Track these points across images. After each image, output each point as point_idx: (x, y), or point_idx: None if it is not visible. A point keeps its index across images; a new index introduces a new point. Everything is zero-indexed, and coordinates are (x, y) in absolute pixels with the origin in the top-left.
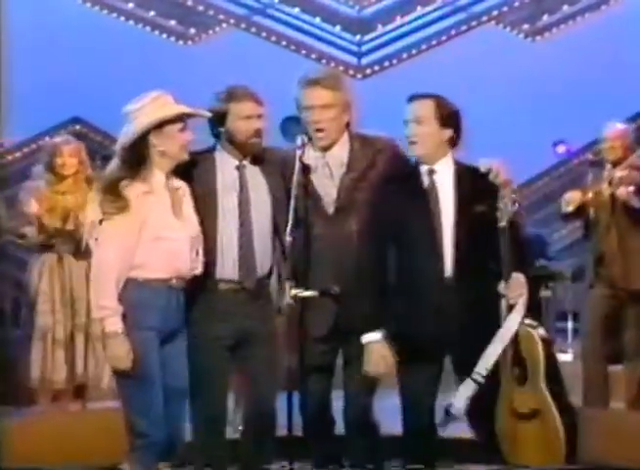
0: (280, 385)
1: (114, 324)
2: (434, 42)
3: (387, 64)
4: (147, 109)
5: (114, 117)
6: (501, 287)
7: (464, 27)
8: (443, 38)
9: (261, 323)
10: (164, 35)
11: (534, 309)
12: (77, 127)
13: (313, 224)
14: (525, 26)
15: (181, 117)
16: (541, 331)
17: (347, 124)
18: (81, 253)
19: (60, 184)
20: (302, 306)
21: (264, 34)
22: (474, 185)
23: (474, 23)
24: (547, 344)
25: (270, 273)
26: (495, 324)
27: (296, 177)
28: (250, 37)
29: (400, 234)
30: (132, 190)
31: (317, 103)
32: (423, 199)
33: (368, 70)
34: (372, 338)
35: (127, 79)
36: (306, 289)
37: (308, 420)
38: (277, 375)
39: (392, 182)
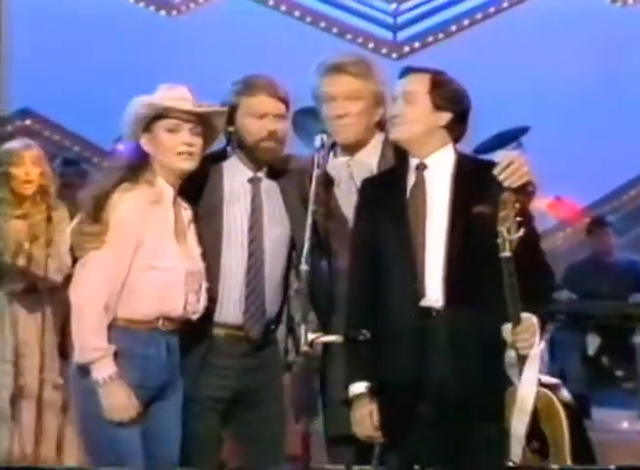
0: (285, 459)
1: (108, 368)
2: (491, 10)
3: (430, 39)
4: (136, 106)
5: (78, 109)
6: (506, 332)
7: None
8: (506, 4)
9: (266, 380)
10: (142, 4)
11: (622, 359)
12: (28, 122)
13: (337, 252)
14: None
15: (178, 116)
16: (564, 393)
17: (380, 124)
18: (33, 293)
19: (18, 205)
20: (322, 357)
21: (270, 1)
22: (480, 188)
23: None
24: (572, 411)
25: (280, 316)
26: (498, 378)
27: (313, 189)
28: (249, 4)
29: (375, 255)
30: (134, 197)
31: (341, 92)
32: (402, 201)
33: (406, 48)
34: (356, 390)
35: (96, 61)
36: (327, 333)
37: None
38: (283, 447)
39: (369, 185)
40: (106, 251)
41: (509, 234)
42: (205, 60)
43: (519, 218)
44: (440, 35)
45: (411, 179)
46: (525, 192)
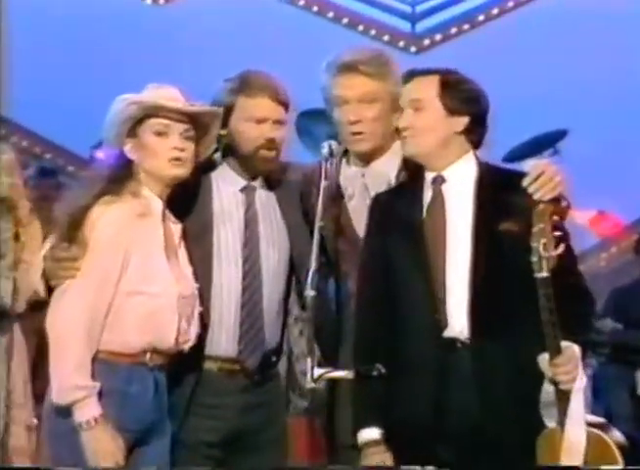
0: None
1: (92, 409)
2: None
3: (453, 30)
4: (121, 105)
5: (50, 111)
6: (544, 363)
7: None
8: None
9: (266, 421)
10: None
11: None
12: None
13: (347, 275)
14: None
15: (168, 116)
16: (617, 434)
17: (398, 129)
18: None
19: None
20: (330, 395)
21: None
22: (507, 202)
23: None
24: (627, 454)
25: (281, 346)
26: (534, 419)
27: (320, 203)
28: None
29: (389, 280)
30: (117, 211)
31: (354, 95)
32: (418, 220)
33: (426, 41)
34: (366, 437)
35: (71, 60)
36: (336, 368)
37: None
38: None
39: (380, 202)
40: (86, 276)
41: (546, 251)
42: (196, 55)
43: (557, 233)
44: (466, 26)
45: (427, 195)
46: (558, 206)
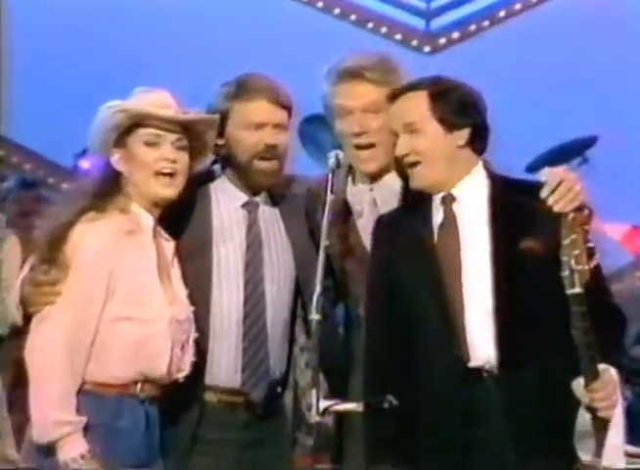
0: None
1: (79, 445)
2: None
3: (472, 28)
4: (107, 113)
5: (27, 118)
6: (579, 389)
7: None
8: None
9: (271, 458)
10: None
11: None
12: None
13: (356, 298)
14: None
15: (159, 125)
16: None
17: (397, 158)
18: None
19: None
20: (339, 428)
21: None
22: (525, 217)
23: None
24: None
25: (287, 376)
26: (570, 451)
27: (326, 220)
28: None
29: (401, 305)
30: (104, 228)
31: (359, 104)
32: (429, 243)
33: (441, 40)
34: None
35: (50, 59)
36: (344, 400)
37: None
38: None
39: (384, 224)
40: (67, 301)
41: (578, 264)
42: (192, 55)
43: (590, 244)
44: (485, 23)
45: (438, 216)
46: (581, 215)
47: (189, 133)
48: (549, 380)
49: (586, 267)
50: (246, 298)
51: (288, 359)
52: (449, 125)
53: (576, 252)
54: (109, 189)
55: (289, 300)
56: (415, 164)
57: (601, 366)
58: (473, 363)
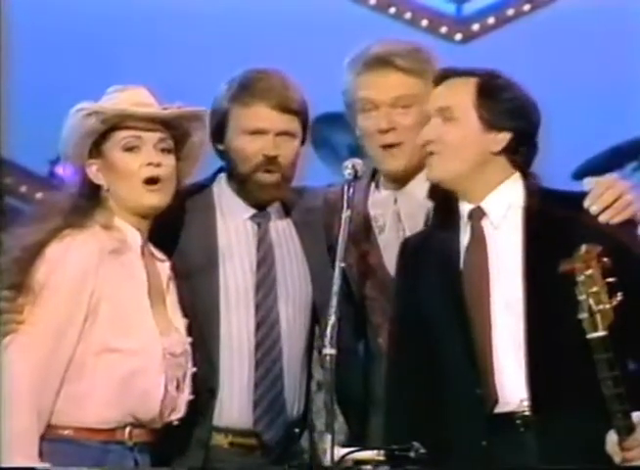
0: None
1: None
2: None
3: (509, 12)
4: (77, 117)
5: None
6: (612, 445)
7: None
8: None
9: None
10: None
11: None
12: None
13: (378, 328)
14: None
15: (137, 125)
16: None
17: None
18: None
19: None
20: None
21: None
22: (567, 237)
23: None
24: None
25: (306, 415)
26: None
27: (341, 239)
28: None
29: (427, 341)
30: (84, 246)
31: (389, 97)
32: (454, 268)
33: (474, 26)
34: None
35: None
36: (364, 447)
37: None
38: None
39: (408, 248)
40: (39, 328)
41: (598, 303)
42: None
43: (610, 279)
44: (526, 6)
45: (465, 235)
46: (628, 231)
47: (173, 132)
48: (591, 427)
49: (608, 306)
50: (257, 324)
51: (306, 395)
52: (489, 124)
53: (595, 289)
54: (87, 205)
55: (306, 326)
56: (433, 154)
57: (636, 416)
58: (501, 409)
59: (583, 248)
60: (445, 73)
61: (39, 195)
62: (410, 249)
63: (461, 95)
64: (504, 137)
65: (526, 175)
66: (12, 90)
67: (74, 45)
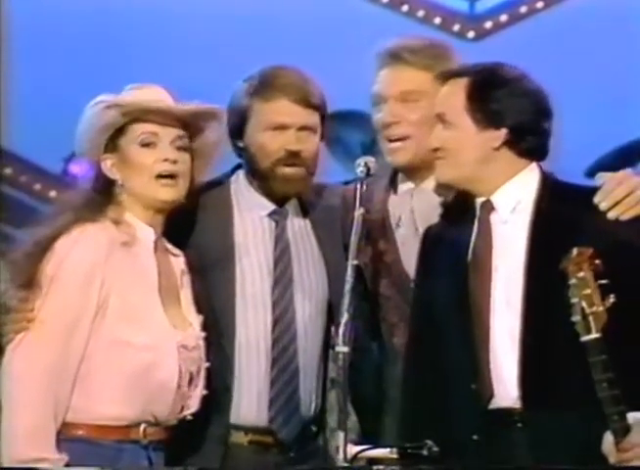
0: None
1: None
2: None
3: (523, 9)
4: (95, 110)
5: (13, 117)
6: (608, 446)
7: None
8: None
9: None
10: None
11: None
12: None
13: (394, 326)
14: None
15: (154, 120)
16: None
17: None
18: None
19: None
20: None
21: None
22: (576, 231)
23: None
24: None
25: (324, 413)
26: None
27: (354, 237)
28: None
29: (439, 335)
30: (93, 240)
31: (396, 91)
32: (463, 263)
33: (487, 24)
34: None
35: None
36: (377, 445)
37: None
38: None
39: (429, 236)
40: (46, 324)
41: (590, 306)
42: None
43: (602, 281)
44: (539, 4)
45: (474, 225)
46: (638, 228)
47: (190, 130)
48: (585, 427)
49: (601, 308)
50: (274, 322)
51: (323, 394)
52: (483, 124)
53: (587, 291)
54: (99, 200)
55: (322, 324)
56: (441, 158)
57: (633, 416)
58: (496, 404)
59: (575, 250)
60: (443, 76)
61: (53, 193)
62: (431, 237)
63: (452, 99)
64: (501, 133)
65: (542, 160)
66: (21, 90)
67: (84, 45)
